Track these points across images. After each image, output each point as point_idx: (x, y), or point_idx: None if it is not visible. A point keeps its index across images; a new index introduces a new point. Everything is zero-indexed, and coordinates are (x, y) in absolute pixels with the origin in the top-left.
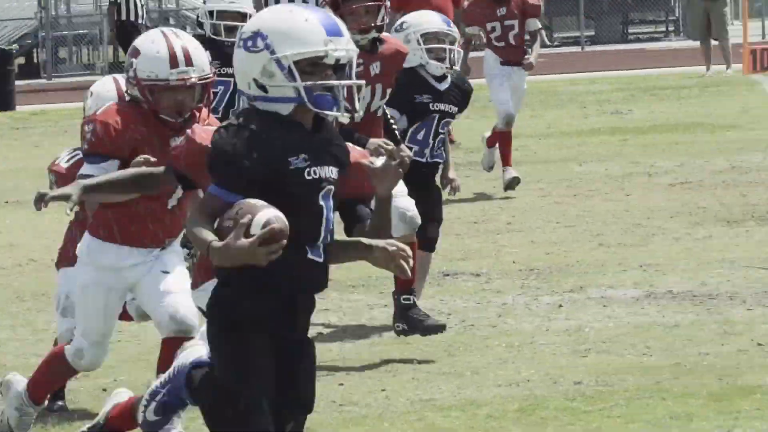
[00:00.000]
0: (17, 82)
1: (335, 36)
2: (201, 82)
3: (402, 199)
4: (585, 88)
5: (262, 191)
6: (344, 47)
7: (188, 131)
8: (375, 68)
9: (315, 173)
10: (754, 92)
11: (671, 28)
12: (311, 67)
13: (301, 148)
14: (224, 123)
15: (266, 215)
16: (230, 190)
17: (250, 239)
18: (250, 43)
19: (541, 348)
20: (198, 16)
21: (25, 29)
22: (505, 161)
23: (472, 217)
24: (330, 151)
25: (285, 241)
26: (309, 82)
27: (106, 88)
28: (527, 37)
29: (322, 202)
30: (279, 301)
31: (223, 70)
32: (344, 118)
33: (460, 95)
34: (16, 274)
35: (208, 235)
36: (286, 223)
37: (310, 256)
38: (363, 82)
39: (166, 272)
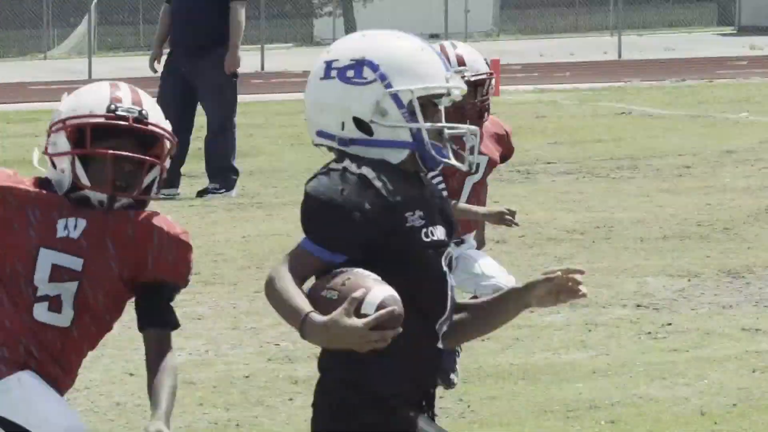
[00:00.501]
0: None
1: (450, 71)
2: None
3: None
4: None
5: (369, 253)
6: (460, 85)
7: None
8: None
9: (432, 234)
10: None
11: None
12: (421, 107)
13: (417, 203)
14: (323, 168)
15: (383, 293)
16: (332, 249)
17: (365, 320)
18: (351, 73)
19: None
20: None
21: None
22: None
23: None
24: (439, 207)
25: (399, 330)
26: (437, 124)
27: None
28: None
29: (445, 269)
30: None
31: None
32: (464, 168)
33: None
34: None
35: (305, 303)
36: (401, 307)
37: (439, 344)
38: (478, 128)
39: None
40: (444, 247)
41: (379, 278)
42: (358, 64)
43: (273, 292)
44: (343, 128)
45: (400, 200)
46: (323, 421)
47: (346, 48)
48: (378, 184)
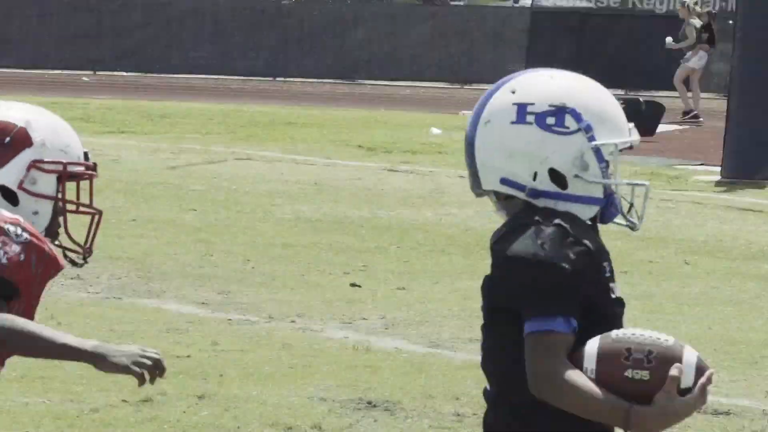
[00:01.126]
0: None
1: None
2: None
3: None
4: None
5: (581, 313)
6: (638, 136)
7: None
8: None
9: (615, 291)
10: None
11: None
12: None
13: (607, 259)
14: (510, 225)
15: (692, 357)
16: (568, 315)
17: (696, 395)
18: (552, 121)
19: None
20: None
21: None
22: None
23: None
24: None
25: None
26: (624, 180)
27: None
28: None
29: None
30: None
31: None
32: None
33: None
34: None
35: (614, 396)
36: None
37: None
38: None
39: None
40: (624, 307)
41: (670, 337)
42: (560, 111)
43: (569, 391)
44: (535, 178)
45: (596, 248)
46: None
47: (542, 91)
48: (574, 231)
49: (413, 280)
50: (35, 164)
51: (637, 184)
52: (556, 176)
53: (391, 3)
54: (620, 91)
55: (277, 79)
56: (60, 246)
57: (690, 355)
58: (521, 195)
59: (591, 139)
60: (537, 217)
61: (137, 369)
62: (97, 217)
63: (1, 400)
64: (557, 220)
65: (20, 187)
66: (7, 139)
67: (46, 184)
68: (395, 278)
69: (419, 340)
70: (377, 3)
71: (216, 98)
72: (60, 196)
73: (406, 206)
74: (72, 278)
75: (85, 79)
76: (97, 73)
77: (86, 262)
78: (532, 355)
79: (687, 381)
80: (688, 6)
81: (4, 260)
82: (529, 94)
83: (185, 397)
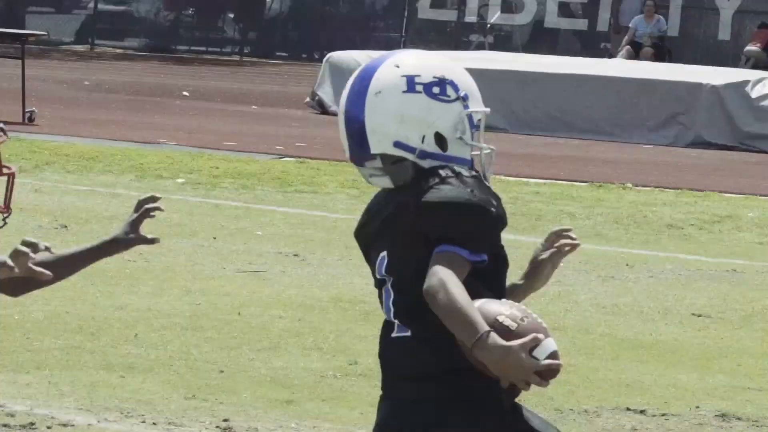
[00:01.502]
0: None
1: None
2: None
3: None
4: None
5: (490, 252)
6: None
7: None
8: None
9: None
10: None
11: None
12: None
13: None
14: (433, 178)
15: (555, 344)
16: (478, 251)
17: (543, 362)
18: (437, 90)
19: None
20: None
21: None
22: None
23: None
24: None
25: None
26: (488, 146)
27: None
28: None
29: None
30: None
31: None
32: None
33: None
34: None
35: (482, 320)
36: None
37: None
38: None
39: None
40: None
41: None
42: (442, 82)
43: (446, 297)
44: (423, 141)
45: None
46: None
47: (423, 65)
48: (486, 183)
49: None
50: None
51: (491, 148)
52: (439, 139)
53: None
54: None
55: None
56: None
57: (553, 342)
58: (411, 156)
59: (466, 107)
60: (450, 172)
61: (12, 261)
62: (12, 177)
63: None
64: (473, 173)
65: None
66: None
67: None
68: None
69: None
70: None
71: None
72: None
73: None
74: None
75: None
76: None
77: (6, 223)
78: (436, 260)
79: (539, 354)
80: None
81: None
82: (413, 68)
83: None
